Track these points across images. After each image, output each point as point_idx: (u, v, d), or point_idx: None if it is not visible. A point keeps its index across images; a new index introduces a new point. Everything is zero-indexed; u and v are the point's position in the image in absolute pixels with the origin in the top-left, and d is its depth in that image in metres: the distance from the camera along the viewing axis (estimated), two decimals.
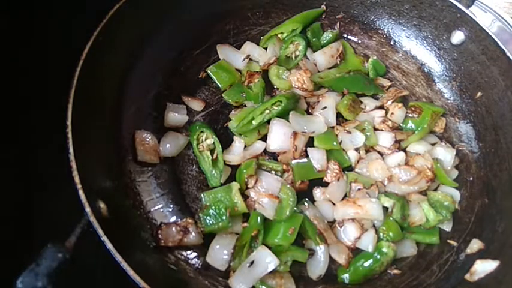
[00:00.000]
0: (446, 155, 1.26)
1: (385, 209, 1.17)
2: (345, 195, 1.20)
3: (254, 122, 1.22)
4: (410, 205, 1.18)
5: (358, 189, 1.18)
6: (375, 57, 1.45)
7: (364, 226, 1.14)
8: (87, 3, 1.14)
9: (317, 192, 1.19)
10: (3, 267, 0.84)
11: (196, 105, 1.30)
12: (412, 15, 1.42)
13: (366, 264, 1.10)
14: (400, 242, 1.15)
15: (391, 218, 1.15)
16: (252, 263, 1.02)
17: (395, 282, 1.12)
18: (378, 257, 1.10)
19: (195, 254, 1.08)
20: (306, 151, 1.21)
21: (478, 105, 1.33)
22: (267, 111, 1.23)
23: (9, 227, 0.97)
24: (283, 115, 1.23)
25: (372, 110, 1.34)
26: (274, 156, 1.23)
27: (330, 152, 1.22)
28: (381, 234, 1.13)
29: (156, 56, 1.27)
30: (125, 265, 0.85)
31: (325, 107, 1.29)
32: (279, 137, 1.20)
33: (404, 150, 1.28)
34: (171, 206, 1.15)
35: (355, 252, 1.13)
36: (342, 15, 1.50)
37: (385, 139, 1.27)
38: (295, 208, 1.11)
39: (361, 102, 1.36)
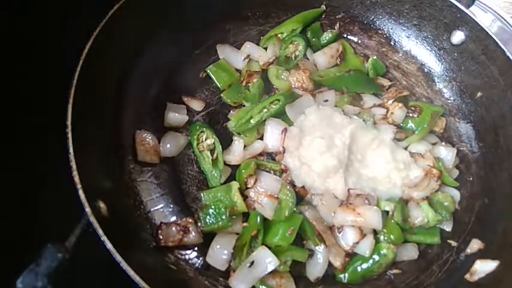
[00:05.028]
0: (447, 154, 1.26)
1: (386, 212, 1.16)
2: None
3: (252, 121, 1.22)
4: (410, 206, 1.18)
5: (357, 195, 1.15)
6: (374, 57, 1.45)
7: (364, 231, 1.12)
8: (87, 2, 1.14)
9: (315, 200, 1.17)
10: (3, 267, 0.84)
11: (196, 105, 1.30)
12: (412, 15, 1.42)
13: (364, 265, 1.09)
14: (402, 246, 1.14)
15: (392, 221, 1.13)
16: (252, 263, 1.02)
17: (395, 282, 1.12)
18: (377, 258, 1.09)
19: (195, 254, 1.08)
20: None
21: (478, 105, 1.32)
22: (265, 110, 1.23)
23: (10, 227, 0.97)
24: (281, 114, 1.24)
25: (371, 107, 1.33)
26: (273, 156, 1.23)
27: None
28: (382, 236, 1.12)
29: (156, 56, 1.27)
30: (124, 265, 0.85)
31: (327, 100, 1.29)
32: (274, 136, 1.20)
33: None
34: (171, 206, 1.15)
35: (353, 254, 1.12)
36: (342, 15, 1.50)
37: (385, 132, 1.25)
38: (294, 208, 1.10)
39: (362, 99, 1.35)
